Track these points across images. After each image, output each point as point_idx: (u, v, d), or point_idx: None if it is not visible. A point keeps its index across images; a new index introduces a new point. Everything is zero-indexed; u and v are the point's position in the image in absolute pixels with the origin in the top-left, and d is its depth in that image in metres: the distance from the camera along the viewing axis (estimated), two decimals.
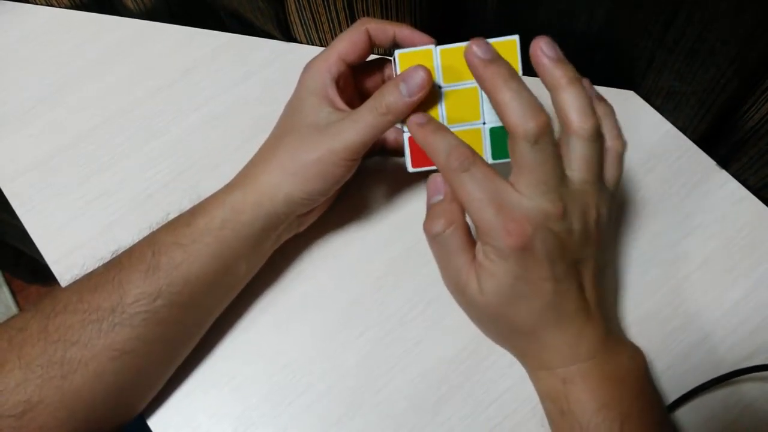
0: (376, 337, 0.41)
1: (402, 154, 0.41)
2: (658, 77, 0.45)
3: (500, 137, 0.36)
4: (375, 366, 0.40)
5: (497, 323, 0.37)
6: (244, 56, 0.53)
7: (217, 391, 0.40)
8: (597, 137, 0.33)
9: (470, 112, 0.36)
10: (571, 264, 0.34)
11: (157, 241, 0.37)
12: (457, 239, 0.35)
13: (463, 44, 0.35)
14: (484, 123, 0.36)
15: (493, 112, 0.36)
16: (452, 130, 0.36)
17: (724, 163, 0.46)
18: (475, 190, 0.33)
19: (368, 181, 0.46)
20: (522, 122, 0.31)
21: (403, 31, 0.38)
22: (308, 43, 0.53)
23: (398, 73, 0.36)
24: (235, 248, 0.37)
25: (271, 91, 0.50)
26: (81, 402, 0.34)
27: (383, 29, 0.38)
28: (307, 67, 0.39)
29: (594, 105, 0.33)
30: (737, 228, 0.43)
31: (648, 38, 0.43)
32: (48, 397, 0.33)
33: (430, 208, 0.36)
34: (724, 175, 0.45)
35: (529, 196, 0.32)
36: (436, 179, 0.36)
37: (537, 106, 0.32)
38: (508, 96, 0.31)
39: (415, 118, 0.36)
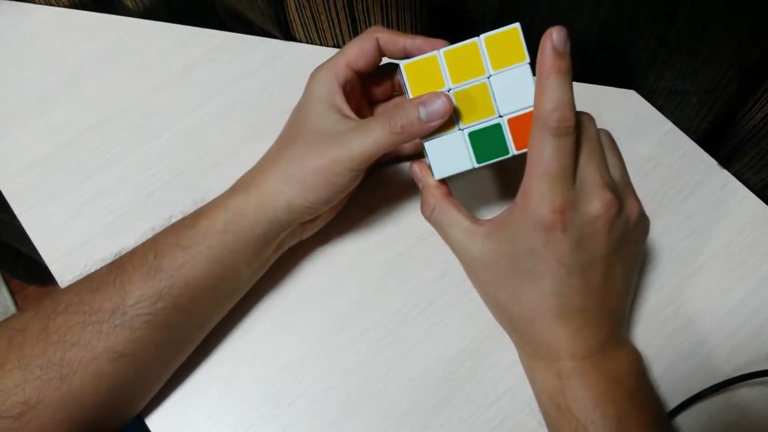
0: (377, 338, 0.41)
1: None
2: (659, 77, 0.45)
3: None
4: (375, 366, 0.40)
5: (504, 285, 0.36)
6: (244, 56, 0.52)
7: (217, 391, 0.40)
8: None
9: (484, 109, 0.36)
10: (596, 259, 0.34)
11: (160, 243, 0.36)
12: (446, 212, 0.37)
13: (465, 43, 0.35)
14: (500, 116, 0.36)
15: (506, 103, 0.35)
16: (469, 129, 0.36)
17: (725, 162, 0.45)
18: (553, 158, 0.32)
19: (369, 181, 0.46)
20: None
21: (415, 42, 0.37)
22: (308, 43, 0.53)
23: (407, 84, 0.36)
24: (237, 252, 0.37)
25: (270, 91, 0.50)
26: (80, 404, 0.34)
27: (394, 40, 0.37)
28: (314, 74, 0.39)
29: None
30: (739, 228, 0.43)
31: (650, 37, 0.43)
32: (47, 398, 0.33)
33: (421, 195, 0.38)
34: (725, 175, 0.45)
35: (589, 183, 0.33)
36: (414, 169, 0.39)
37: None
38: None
39: (558, 33, 0.32)
